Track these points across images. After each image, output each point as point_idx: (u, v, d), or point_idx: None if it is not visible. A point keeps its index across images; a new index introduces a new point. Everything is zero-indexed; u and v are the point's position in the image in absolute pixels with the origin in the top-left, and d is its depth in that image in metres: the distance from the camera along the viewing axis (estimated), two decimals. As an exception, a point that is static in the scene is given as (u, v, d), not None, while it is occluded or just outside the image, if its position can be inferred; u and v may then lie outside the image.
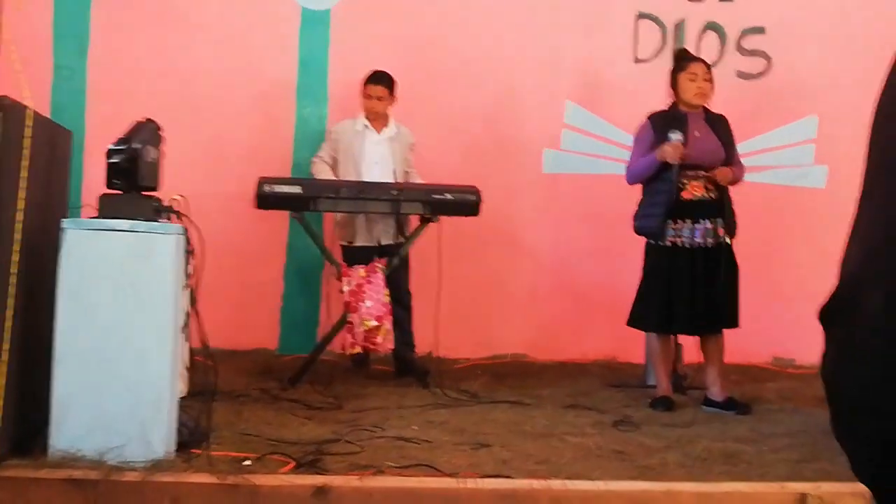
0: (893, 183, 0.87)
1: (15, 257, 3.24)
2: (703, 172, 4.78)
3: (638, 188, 5.00)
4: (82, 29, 6.04)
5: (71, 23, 6.02)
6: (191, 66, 6.09)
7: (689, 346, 5.21)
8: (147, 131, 3.69)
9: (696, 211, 4.77)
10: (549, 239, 6.32)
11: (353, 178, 5.45)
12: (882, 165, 0.90)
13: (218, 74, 6.12)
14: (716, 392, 4.84)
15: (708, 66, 4.96)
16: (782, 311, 5.86)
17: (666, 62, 5.68)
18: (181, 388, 4.02)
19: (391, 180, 5.44)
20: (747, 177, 5.14)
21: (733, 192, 4.94)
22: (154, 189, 3.69)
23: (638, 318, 4.93)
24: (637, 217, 4.91)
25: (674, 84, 4.91)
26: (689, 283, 4.75)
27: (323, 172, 5.53)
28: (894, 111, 0.88)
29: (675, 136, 4.71)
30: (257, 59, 6.16)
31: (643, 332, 5.18)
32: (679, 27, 6.34)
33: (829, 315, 0.93)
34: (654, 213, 4.80)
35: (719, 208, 4.79)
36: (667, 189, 4.76)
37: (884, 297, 0.85)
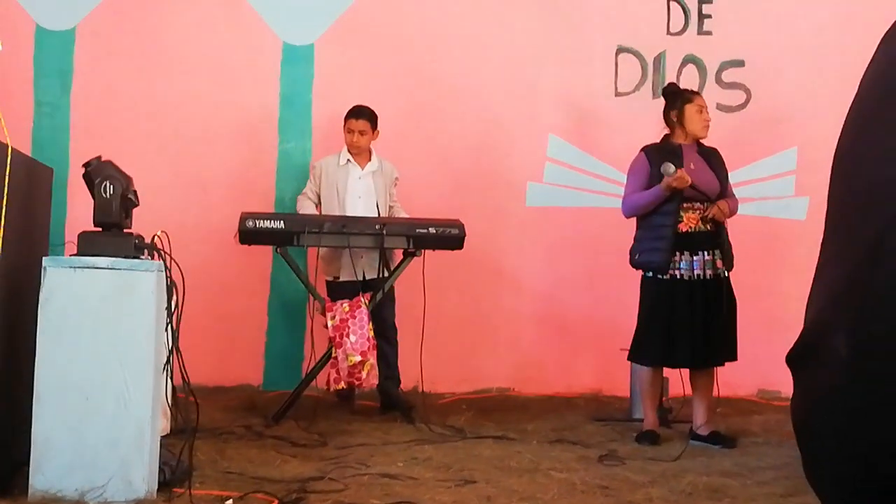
0: (854, 225, 0.88)
1: (-6, 296, 3.21)
2: (699, 205, 4.79)
3: (627, 222, 4.98)
4: (65, 65, 6.05)
5: (53, 59, 6.03)
6: (174, 102, 6.10)
7: (675, 379, 5.19)
8: (104, 168, 3.65)
9: (694, 243, 4.77)
10: (534, 272, 6.32)
11: (337, 212, 5.45)
12: (841, 210, 0.91)
13: (201, 109, 6.13)
14: (701, 425, 4.83)
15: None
16: (767, 344, 5.83)
17: (646, 95, 5.73)
18: (163, 425, 3.99)
19: (375, 214, 5.44)
20: (730, 208, 5.15)
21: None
22: (118, 225, 3.64)
23: (640, 353, 4.89)
24: (638, 251, 4.87)
25: (679, 116, 4.88)
26: (689, 316, 4.73)
27: (307, 209, 5.54)
28: (855, 155, 0.89)
29: (671, 168, 4.71)
30: (240, 94, 6.18)
31: (629, 365, 5.18)
32: (659, 60, 6.39)
33: (796, 359, 0.93)
34: (658, 248, 4.76)
35: (716, 240, 4.80)
36: (670, 223, 4.75)
37: (847, 341, 0.86)
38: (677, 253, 4.76)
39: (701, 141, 4.95)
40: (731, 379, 5.37)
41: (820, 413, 0.81)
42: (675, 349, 4.75)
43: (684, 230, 4.78)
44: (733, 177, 5.19)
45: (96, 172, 3.63)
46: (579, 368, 6.12)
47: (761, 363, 5.85)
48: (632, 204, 4.91)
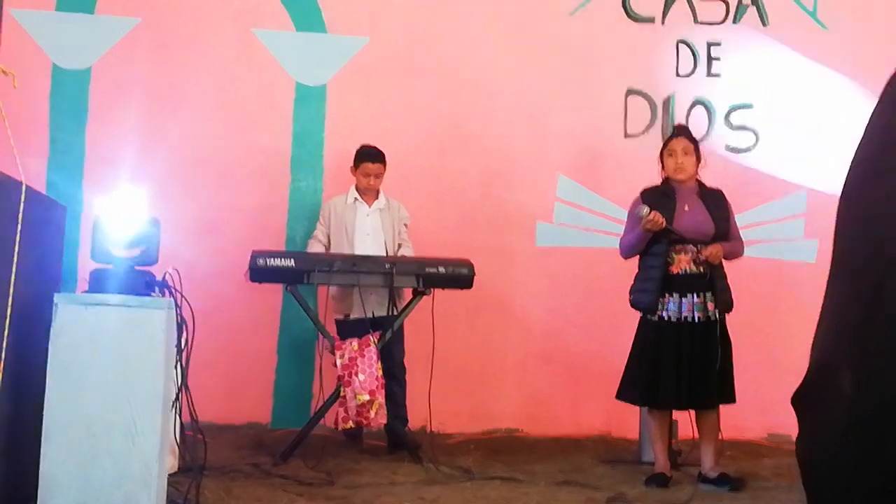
0: (857, 266, 0.89)
1: (6, 332, 3.23)
2: (691, 247, 4.79)
3: (633, 263, 5.01)
4: (81, 104, 6.12)
5: (69, 98, 6.10)
6: (187, 140, 6.16)
7: (684, 421, 5.17)
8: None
9: (684, 285, 4.77)
10: (543, 312, 6.32)
11: (346, 250, 5.48)
12: (845, 251, 0.93)
13: (214, 148, 6.19)
14: (710, 468, 4.80)
15: (691, 139, 4.97)
16: (777, 386, 5.78)
17: (655, 137, 5.77)
18: (171, 463, 3.99)
19: (383, 252, 5.46)
20: (738, 250, 5.14)
21: (728, 266, 4.94)
22: (151, 264, 3.70)
23: (625, 392, 4.90)
24: (632, 291, 4.92)
25: (661, 161, 4.97)
26: (675, 357, 4.73)
27: (317, 251, 5.56)
28: (859, 197, 0.91)
29: (644, 210, 4.75)
30: (253, 133, 6.24)
31: (638, 407, 5.16)
32: (668, 102, 6.44)
33: (802, 399, 0.94)
34: (647, 289, 4.81)
35: (709, 282, 4.79)
36: (659, 264, 4.78)
37: (853, 380, 0.87)
38: (666, 294, 4.77)
39: (701, 181, 4.96)
40: (739, 422, 5.35)
41: (825, 452, 0.82)
42: (659, 390, 4.75)
43: (675, 272, 4.78)
44: (742, 219, 5.20)
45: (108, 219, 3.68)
46: (588, 409, 6.10)
47: (771, 406, 5.82)
48: (623, 245, 4.98)
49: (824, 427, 0.82)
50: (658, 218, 4.71)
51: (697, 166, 4.93)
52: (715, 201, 4.92)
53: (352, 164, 5.62)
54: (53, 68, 6.11)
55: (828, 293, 0.84)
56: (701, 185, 4.97)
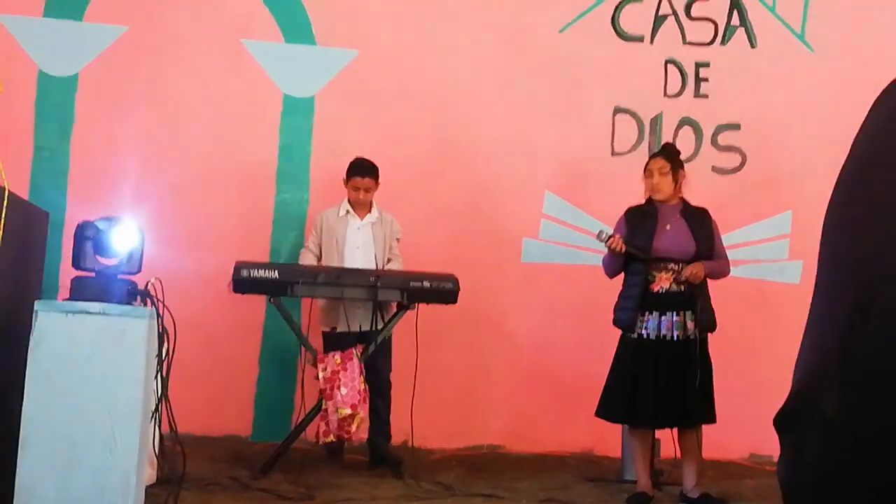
0: (838, 287, 0.88)
1: (-16, 338, 3.20)
2: (672, 265, 4.80)
3: (618, 281, 5.01)
4: (66, 111, 6.09)
5: (55, 105, 6.07)
6: (173, 149, 6.14)
7: (667, 440, 5.16)
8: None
9: (663, 303, 4.78)
10: (528, 328, 6.31)
11: (336, 263, 5.46)
12: (829, 267, 0.92)
13: (200, 158, 6.16)
14: (691, 488, 4.79)
15: (668, 159, 4.97)
16: (760, 407, 5.78)
17: (642, 155, 5.78)
18: (149, 474, 3.95)
19: (373, 265, 5.44)
20: (723, 270, 5.14)
21: (712, 286, 4.94)
22: (134, 273, 3.67)
23: (603, 409, 4.90)
24: (614, 310, 4.93)
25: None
26: (652, 375, 4.73)
27: (309, 262, 5.54)
28: (840, 217, 0.90)
29: (602, 235, 4.84)
30: (239, 143, 6.22)
31: (620, 425, 5.15)
32: (656, 122, 6.46)
33: (784, 421, 0.92)
34: (626, 307, 4.83)
35: (688, 301, 4.79)
36: (638, 282, 4.80)
37: (836, 403, 0.85)
38: (646, 313, 4.77)
39: (686, 200, 4.97)
40: (722, 442, 5.34)
41: (806, 476, 0.80)
42: (637, 408, 4.74)
43: (655, 290, 4.79)
44: (728, 239, 5.21)
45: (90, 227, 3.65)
46: (572, 427, 6.08)
47: (753, 427, 5.81)
48: (603, 263, 5.03)
49: (806, 450, 0.81)
50: (615, 243, 4.78)
51: (676, 186, 4.94)
52: (698, 220, 4.93)
53: (344, 176, 5.60)
54: (39, 74, 6.07)
55: (811, 313, 0.84)
56: (685, 204, 4.97)
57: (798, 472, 0.90)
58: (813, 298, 0.84)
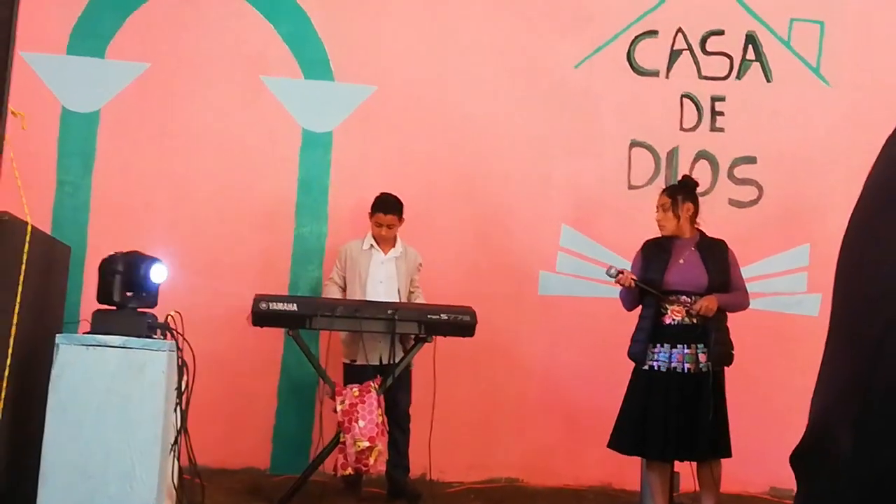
0: (855, 325, 0.89)
1: (6, 371, 3.23)
2: (684, 298, 4.80)
3: (635, 313, 5.02)
4: (88, 146, 6.16)
5: (77, 140, 6.15)
6: (193, 184, 6.19)
7: (686, 474, 5.13)
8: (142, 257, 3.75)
9: (674, 336, 4.78)
10: (545, 361, 6.30)
11: (358, 296, 5.48)
12: (843, 307, 0.93)
13: (219, 192, 6.21)
14: (709, 521, 4.76)
15: (669, 194, 5.00)
16: (780, 440, 5.76)
17: (659, 189, 5.77)
18: (168, 507, 3.96)
19: (396, 299, 5.45)
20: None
21: (730, 319, 4.93)
22: (151, 306, 3.71)
23: (614, 440, 4.89)
24: (630, 342, 4.93)
25: None
26: (662, 407, 4.71)
27: (333, 294, 5.56)
28: (853, 257, 0.91)
29: (611, 271, 4.89)
30: (258, 178, 6.27)
31: (639, 458, 5.13)
32: (672, 155, 6.48)
33: (800, 459, 0.93)
34: (638, 339, 4.85)
35: (702, 334, 4.78)
36: (649, 315, 4.81)
37: (853, 442, 0.86)
38: (657, 345, 4.77)
39: (703, 232, 4.99)
40: (742, 476, 5.31)
41: None
42: (647, 440, 4.73)
43: (667, 322, 4.80)
44: (745, 272, 5.20)
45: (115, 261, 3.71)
46: (589, 460, 6.05)
47: (773, 460, 5.78)
48: (620, 298, 5.05)
49: (823, 490, 0.82)
50: (624, 279, 4.84)
51: (679, 220, 4.95)
52: (714, 253, 4.93)
53: (369, 209, 5.64)
54: (62, 111, 6.16)
55: (827, 349, 0.84)
56: (702, 236, 4.98)
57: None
58: (828, 334, 0.85)
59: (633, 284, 4.82)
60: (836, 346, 0.91)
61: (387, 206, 5.56)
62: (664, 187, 5.18)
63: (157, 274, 3.76)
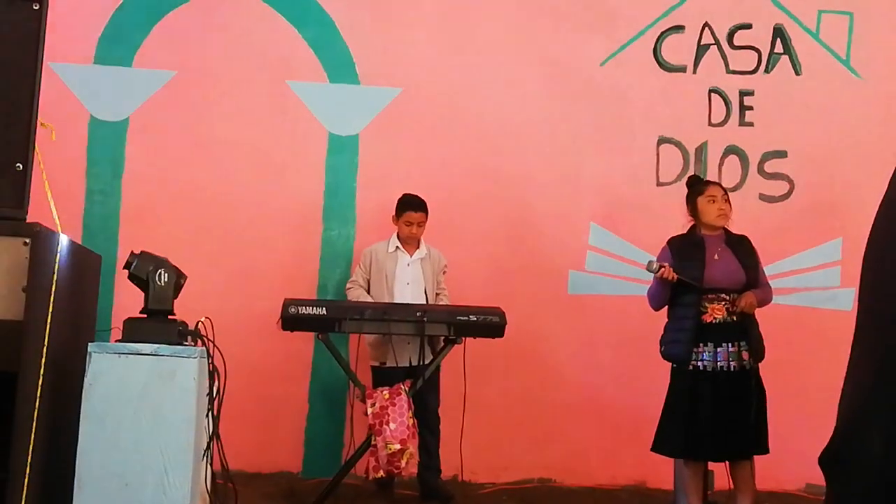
0: (882, 324, 0.87)
1: (40, 380, 3.26)
2: (724, 296, 4.76)
3: (665, 311, 4.98)
4: (117, 155, 6.21)
5: (106, 149, 6.20)
6: (221, 190, 6.22)
7: (720, 472, 5.09)
8: (152, 257, 3.75)
9: (717, 334, 4.73)
10: (576, 360, 6.28)
11: (385, 298, 5.49)
12: (870, 304, 0.91)
13: (247, 198, 6.24)
14: (747, 519, 4.72)
15: (724, 189, 4.99)
16: (814, 437, 5.71)
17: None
18: (202, 512, 3.97)
19: (423, 300, 5.46)
20: (774, 299, 5.09)
21: (764, 314, 4.90)
22: (170, 312, 3.71)
23: (661, 444, 4.84)
24: (663, 342, 4.89)
25: (693, 208, 4.95)
26: (711, 408, 4.67)
27: (360, 297, 5.57)
28: (880, 257, 0.89)
29: (653, 266, 4.80)
30: (286, 182, 6.29)
31: (672, 457, 5.09)
32: (701, 151, 6.43)
33: (829, 460, 0.91)
34: (680, 339, 4.77)
35: (742, 331, 4.74)
36: (691, 315, 4.75)
37: (883, 443, 0.84)
38: (700, 344, 4.73)
39: (728, 229, 4.94)
40: (778, 473, 5.26)
41: None
42: (697, 441, 4.68)
43: (708, 321, 4.75)
44: (777, 267, 5.17)
45: (146, 262, 3.71)
46: (623, 459, 6.03)
47: (808, 457, 5.72)
48: (649, 294, 4.99)
49: (853, 490, 0.80)
50: (667, 272, 4.75)
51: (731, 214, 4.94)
52: (743, 248, 4.90)
53: (394, 213, 5.65)
54: (91, 120, 6.21)
55: (853, 351, 0.82)
56: (727, 232, 4.95)
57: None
58: (855, 333, 0.83)
59: (675, 278, 4.76)
60: (862, 348, 0.89)
61: (416, 205, 5.58)
62: (705, 180, 5.06)
63: (181, 280, 3.77)
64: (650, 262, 4.85)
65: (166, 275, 3.72)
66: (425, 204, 5.61)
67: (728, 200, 4.94)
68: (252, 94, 6.34)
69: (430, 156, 6.35)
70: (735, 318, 4.75)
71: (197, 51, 6.32)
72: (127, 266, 3.71)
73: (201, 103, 6.30)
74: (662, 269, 4.78)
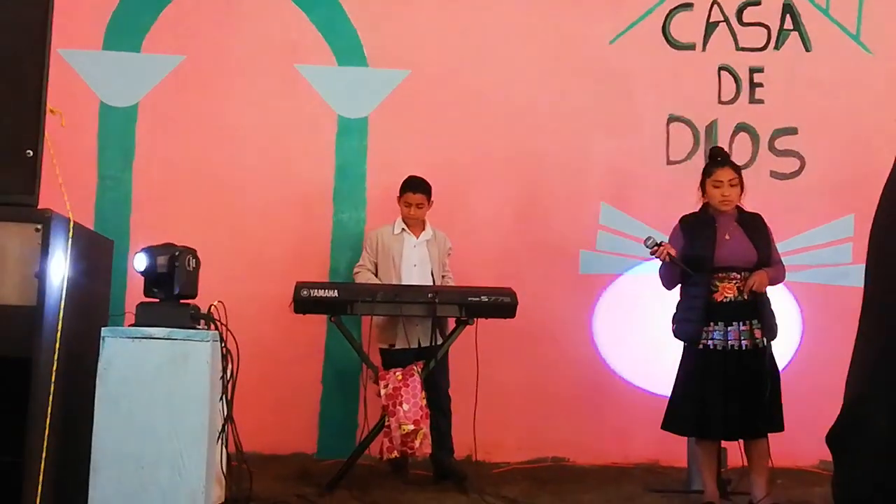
0: (886, 300, 0.87)
1: (55, 365, 3.29)
2: (735, 275, 4.75)
3: (677, 290, 4.97)
4: (127, 140, 6.23)
5: (116, 135, 6.22)
6: (231, 174, 6.24)
7: (733, 449, 5.10)
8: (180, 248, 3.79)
9: (728, 313, 4.72)
10: (588, 340, 6.28)
11: (393, 281, 5.50)
12: (874, 284, 0.91)
13: (258, 181, 6.26)
14: (760, 497, 4.72)
15: (736, 169, 4.91)
16: (828, 414, 5.70)
17: (698, 163, 5.74)
18: (218, 493, 4.01)
19: (430, 282, 5.48)
20: (787, 276, 5.08)
21: (777, 292, 4.88)
22: (192, 297, 3.75)
23: (671, 422, 4.84)
24: (675, 320, 4.88)
25: (703, 188, 4.92)
26: (722, 386, 4.67)
27: (369, 279, 5.58)
28: (884, 231, 0.89)
29: (652, 239, 4.78)
30: (296, 166, 6.31)
31: (682, 436, 5.10)
32: (711, 129, 6.41)
33: (836, 437, 0.92)
34: (690, 318, 4.76)
35: (754, 310, 4.74)
36: (701, 293, 4.74)
37: (889, 419, 0.84)
38: (711, 324, 4.72)
39: (742, 207, 4.92)
40: (791, 450, 5.26)
41: (861, 494, 0.79)
42: (708, 420, 4.68)
43: (720, 300, 4.73)
44: (789, 244, 5.15)
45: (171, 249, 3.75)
46: (636, 438, 6.04)
47: (822, 434, 5.72)
48: (659, 275, 4.96)
49: (861, 468, 0.80)
50: (664, 250, 4.73)
51: (741, 196, 4.89)
52: (755, 227, 4.87)
53: (397, 193, 5.66)
54: (101, 106, 6.22)
55: (860, 329, 0.82)
56: (740, 210, 4.92)
57: (853, 492, 0.89)
58: (862, 311, 0.83)
59: (668, 258, 4.75)
60: (869, 321, 0.90)
61: (415, 186, 5.58)
62: (720, 160, 4.95)
63: (138, 262, 3.79)
64: (648, 238, 4.80)
65: (193, 260, 3.77)
66: (425, 185, 5.61)
67: (737, 184, 4.84)
68: (261, 77, 6.35)
69: (440, 137, 6.34)
70: (746, 297, 4.73)
71: (205, 35, 6.33)
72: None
73: (210, 88, 6.31)
74: (657, 247, 4.75)
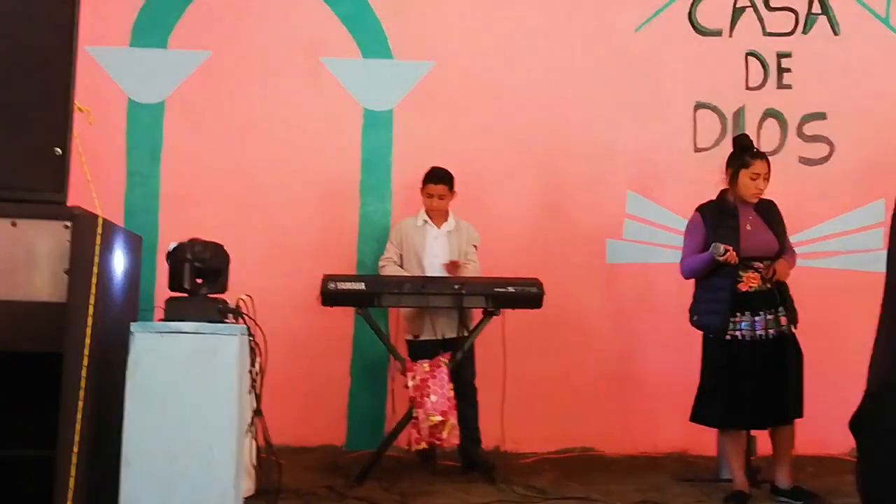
0: None
1: (85, 361, 3.32)
2: (757, 264, 4.72)
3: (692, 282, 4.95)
4: (156, 137, 6.28)
5: (144, 131, 6.26)
6: (258, 169, 6.27)
7: (763, 438, 5.07)
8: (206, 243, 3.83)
9: (754, 303, 4.70)
10: (616, 329, 6.27)
11: (416, 272, 5.52)
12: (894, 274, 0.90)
13: (284, 175, 6.28)
14: (783, 480, 4.72)
15: (769, 163, 4.87)
16: (858, 401, 5.68)
17: (725, 151, 5.67)
18: (248, 486, 4.05)
19: (452, 272, 5.49)
20: (817, 263, 5.05)
21: (807, 278, 4.86)
22: (220, 291, 3.78)
23: (701, 414, 4.83)
24: (696, 312, 4.85)
25: (734, 177, 4.85)
26: (751, 376, 4.66)
27: (395, 271, 5.58)
28: None
29: (720, 249, 4.66)
30: (322, 159, 6.33)
31: (713, 427, 5.08)
32: (738, 115, 6.36)
33: (859, 424, 0.91)
34: (716, 310, 4.73)
35: (778, 297, 4.72)
36: (727, 285, 4.70)
37: None
38: (738, 314, 4.69)
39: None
40: (823, 437, 5.23)
41: (887, 482, 0.78)
42: (738, 410, 4.67)
43: (744, 290, 4.71)
44: (819, 230, 5.12)
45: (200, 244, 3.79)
46: (665, 427, 6.02)
47: (853, 421, 5.67)
48: (688, 267, 4.91)
49: (884, 454, 0.79)
50: (732, 256, 4.66)
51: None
52: (772, 215, 4.86)
53: (420, 184, 5.67)
54: (129, 103, 6.27)
55: (883, 312, 0.82)
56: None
57: (878, 480, 0.89)
58: (883, 299, 0.83)
59: (738, 261, 4.69)
60: (891, 308, 0.89)
61: (437, 177, 5.58)
62: (754, 152, 4.90)
63: (221, 259, 3.83)
64: (716, 246, 4.69)
65: (221, 255, 3.81)
66: (447, 175, 5.61)
67: (768, 178, 4.82)
68: (286, 71, 6.37)
69: (465, 128, 6.34)
70: (769, 286, 4.72)
71: (230, 30, 6.36)
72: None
73: (236, 83, 6.34)
74: (728, 252, 4.66)
